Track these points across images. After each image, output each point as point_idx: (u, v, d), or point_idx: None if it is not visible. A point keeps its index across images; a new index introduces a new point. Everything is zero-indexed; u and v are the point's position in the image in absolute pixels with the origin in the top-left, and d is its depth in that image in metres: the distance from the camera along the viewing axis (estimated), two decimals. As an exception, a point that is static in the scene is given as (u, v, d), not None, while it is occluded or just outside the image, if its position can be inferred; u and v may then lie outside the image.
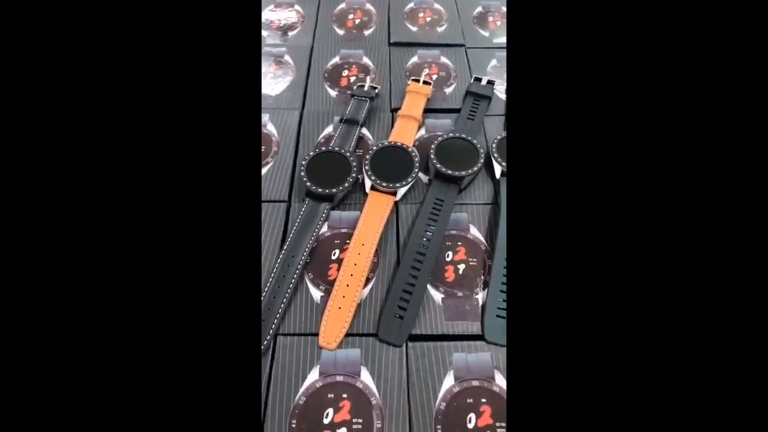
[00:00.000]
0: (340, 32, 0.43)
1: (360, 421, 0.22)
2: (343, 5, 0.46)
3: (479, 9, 0.46)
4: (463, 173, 0.30)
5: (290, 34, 0.43)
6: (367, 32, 0.43)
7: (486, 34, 0.43)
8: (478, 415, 0.22)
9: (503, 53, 0.41)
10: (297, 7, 0.46)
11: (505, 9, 0.46)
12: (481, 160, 0.31)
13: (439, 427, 0.22)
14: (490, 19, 0.45)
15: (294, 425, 0.22)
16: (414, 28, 0.43)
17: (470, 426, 0.22)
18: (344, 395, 0.23)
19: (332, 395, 0.23)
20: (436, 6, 0.46)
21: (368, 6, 0.46)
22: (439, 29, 0.43)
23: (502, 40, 0.43)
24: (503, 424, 0.22)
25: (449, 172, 0.30)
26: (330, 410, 0.22)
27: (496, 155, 0.32)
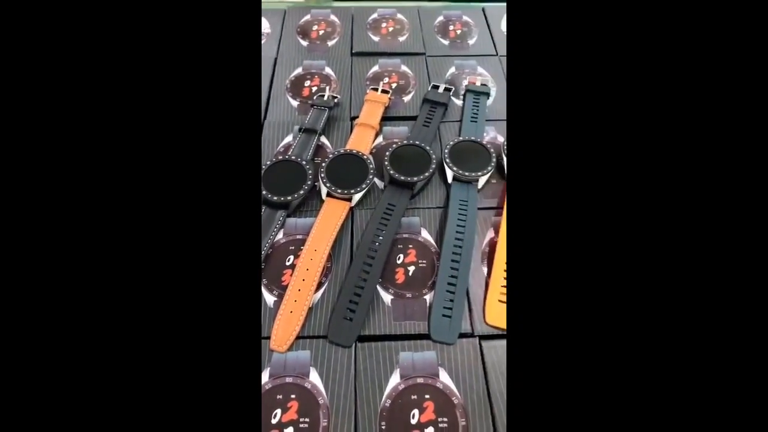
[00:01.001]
0: (304, 43, 0.44)
1: (307, 420, 0.23)
2: (308, 17, 0.47)
3: (441, 18, 0.47)
4: (415, 179, 0.31)
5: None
6: (330, 43, 0.45)
7: (446, 42, 0.45)
8: (422, 410, 0.23)
9: (462, 61, 0.43)
10: (263, 19, 0.47)
11: (465, 18, 0.48)
12: (433, 166, 0.32)
13: (383, 423, 0.23)
14: (451, 27, 0.46)
15: (243, 426, 0.23)
16: (376, 38, 0.45)
17: (413, 422, 0.23)
18: (292, 396, 0.24)
19: (281, 396, 0.24)
20: (399, 16, 0.47)
21: (332, 17, 0.47)
22: (401, 38, 0.45)
23: (462, 49, 0.44)
24: (445, 419, 0.23)
25: (402, 177, 0.31)
26: (278, 411, 0.23)
27: (448, 161, 0.33)
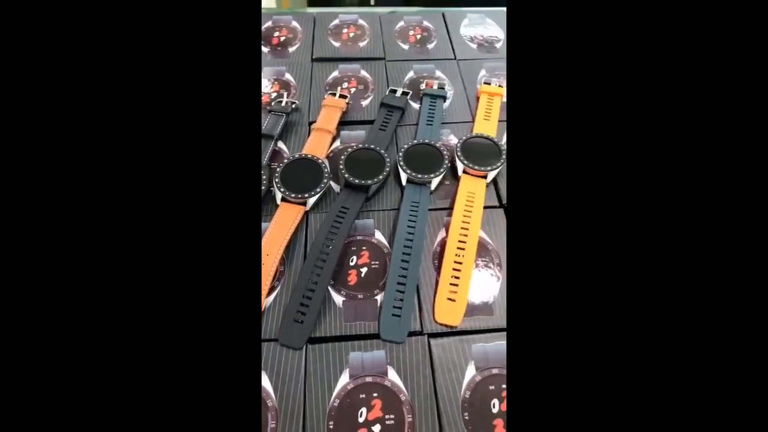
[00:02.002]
0: (265, 50, 0.45)
1: (255, 422, 0.23)
2: (269, 23, 0.48)
3: (401, 23, 0.48)
4: (369, 182, 0.32)
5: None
6: (291, 49, 0.45)
7: (405, 47, 0.46)
8: (369, 408, 0.24)
9: (420, 65, 0.44)
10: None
11: (425, 23, 0.48)
12: (387, 169, 0.33)
13: (331, 423, 0.23)
14: (411, 32, 0.47)
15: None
16: (337, 44, 0.45)
17: (361, 420, 0.24)
18: (241, 399, 0.24)
19: (230, 400, 0.24)
20: (361, 22, 0.48)
21: (294, 24, 0.48)
22: (362, 44, 0.46)
23: (421, 53, 0.45)
24: (392, 416, 0.24)
25: (356, 181, 0.32)
26: (227, 414, 0.23)
27: (402, 163, 0.33)
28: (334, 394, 0.24)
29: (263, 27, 0.47)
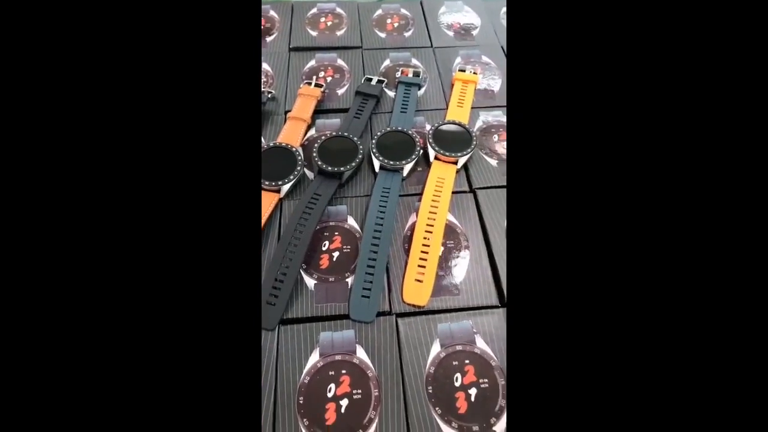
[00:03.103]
0: (243, 40, 0.45)
1: (228, 399, 0.24)
2: (247, 13, 0.48)
3: (379, 12, 0.48)
4: (342, 169, 0.33)
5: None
6: (269, 38, 0.45)
7: (383, 35, 0.46)
8: (338, 384, 0.25)
9: (397, 53, 0.44)
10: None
11: (403, 11, 0.49)
12: (360, 156, 0.34)
13: (301, 398, 0.25)
14: (389, 21, 0.48)
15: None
16: (314, 33, 0.46)
17: (329, 395, 0.25)
18: (215, 378, 0.25)
19: (204, 379, 0.25)
20: (338, 11, 0.48)
21: (272, 13, 0.48)
22: (339, 33, 0.46)
23: (398, 42, 0.45)
24: (359, 391, 0.25)
25: (328, 168, 0.33)
26: (201, 392, 0.24)
27: (374, 151, 0.34)
28: (305, 371, 0.25)
29: (241, 17, 0.47)
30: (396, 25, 0.47)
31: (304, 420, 0.24)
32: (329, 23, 0.47)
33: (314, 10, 0.48)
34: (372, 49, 0.44)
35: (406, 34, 0.46)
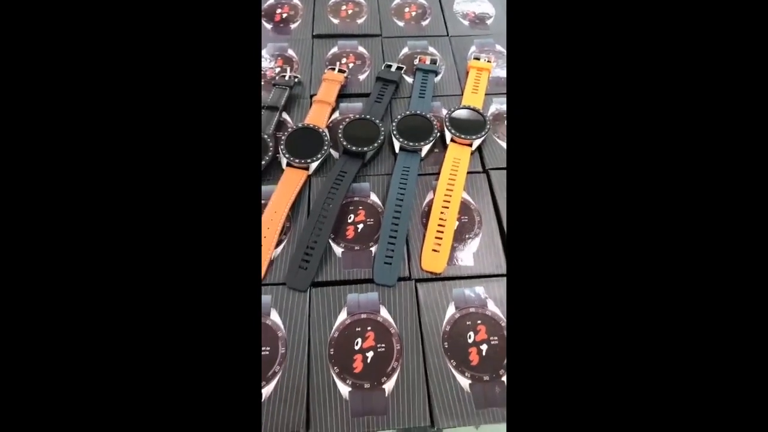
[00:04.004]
0: (269, 26, 0.47)
1: (268, 348, 0.28)
2: (271, 0, 0.50)
3: (397, 1, 0.50)
4: (365, 149, 0.36)
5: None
6: (293, 26, 0.48)
7: (401, 24, 0.48)
8: (364, 339, 0.28)
9: (414, 42, 0.46)
10: None
11: (421, 0, 0.51)
12: (382, 138, 0.36)
13: (331, 350, 0.28)
14: (406, 10, 0.50)
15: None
16: (336, 21, 0.48)
17: (356, 348, 0.28)
18: (256, 330, 0.28)
19: (246, 331, 0.28)
20: (358, -1, 0.50)
21: (295, 0, 0.50)
22: (359, 21, 0.48)
23: (415, 30, 0.47)
24: (383, 345, 0.28)
25: (353, 148, 0.36)
26: (244, 343, 0.28)
27: (395, 133, 0.37)
28: (334, 327, 0.29)
29: (266, 4, 0.50)
30: (414, 14, 0.49)
31: (335, 368, 0.27)
32: (350, 11, 0.49)
33: (335, -1, 0.50)
34: (391, 37, 0.47)
35: (424, 23, 0.48)
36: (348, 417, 0.26)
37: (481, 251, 0.32)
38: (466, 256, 0.32)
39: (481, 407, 0.26)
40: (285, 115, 0.40)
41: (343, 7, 0.49)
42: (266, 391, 0.27)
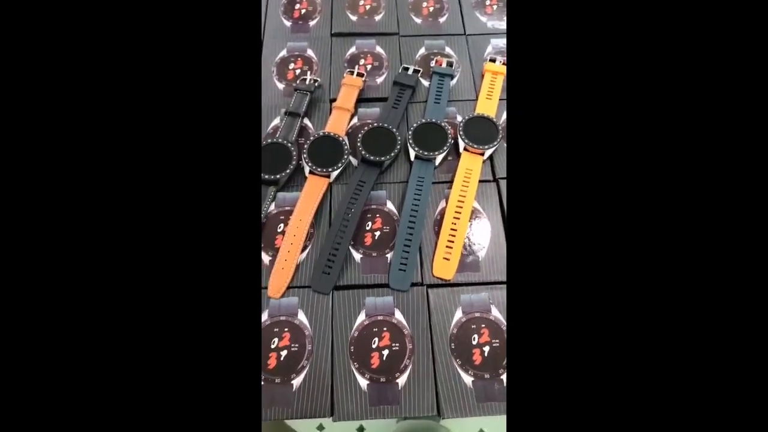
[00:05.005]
0: (288, 23, 0.48)
1: (296, 345, 0.32)
2: (290, -6, 0.50)
3: (415, -6, 0.50)
4: (382, 158, 0.38)
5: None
6: (312, 23, 0.48)
7: (419, 21, 0.48)
8: (380, 338, 0.32)
9: (431, 41, 0.47)
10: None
11: (439, -7, 0.50)
12: (398, 147, 0.38)
13: (352, 347, 0.32)
14: (424, 5, 0.50)
15: (251, 350, 0.31)
16: (354, 17, 0.48)
17: (374, 346, 0.32)
18: (285, 329, 0.32)
19: (277, 329, 0.32)
20: (376, -8, 0.50)
21: (313, -5, 0.50)
22: (377, 17, 0.48)
23: (433, 28, 0.48)
24: (397, 344, 0.32)
25: (371, 157, 0.38)
26: (276, 339, 0.32)
27: (411, 142, 0.39)
28: (354, 327, 0.32)
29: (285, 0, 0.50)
30: (431, 9, 0.49)
31: (355, 363, 0.31)
32: (368, 7, 0.49)
33: (353, -8, 0.50)
34: (408, 36, 0.47)
35: (441, 20, 0.48)
36: (366, 405, 0.30)
37: (488, 259, 0.35)
38: (474, 263, 0.35)
39: (481, 401, 0.30)
40: (306, 121, 0.42)
41: (362, 2, 0.49)
42: (296, 381, 0.31)
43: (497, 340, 0.32)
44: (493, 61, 0.44)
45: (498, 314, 0.33)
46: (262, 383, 0.31)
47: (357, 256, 0.35)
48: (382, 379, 0.31)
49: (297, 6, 0.49)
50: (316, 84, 0.43)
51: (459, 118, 0.42)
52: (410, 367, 0.31)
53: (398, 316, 0.33)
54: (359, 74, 0.43)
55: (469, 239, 0.35)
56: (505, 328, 0.32)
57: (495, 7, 0.49)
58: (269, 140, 0.39)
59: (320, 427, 0.50)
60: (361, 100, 0.43)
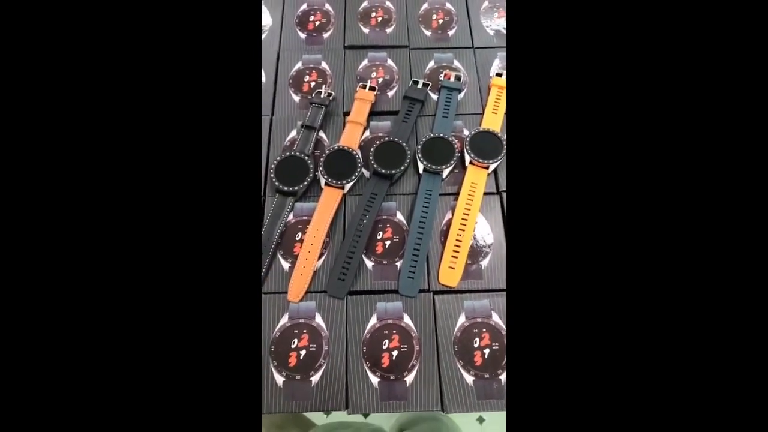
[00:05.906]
0: (302, 36, 0.50)
1: (314, 345, 0.35)
2: (304, 6, 0.52)
3: (425, 6, 0.52)
4: (393, 171, 0.40)
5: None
6: (325, 35, 0.50)
7: (428, 33, 0.50)
8: (390, 340, 0.35)
9: (440, 54, 0.49)
10: (264, 7, 0.52)
11: (448, 5, 0.52)
12: (407, 160, 0.41)
13: (365, 348, 0.35)
14: (434, 17, 0.51)
15: (273, 349, 0.35)
16: (366, 30, 0.50)
17: (384, 347, 0.35)
18: (304, 331, 0.35)
19: (296, 331, 0.35)
20: (388, 4, 0.52)
21: (327, 6, 0.52)
22: (388, 30, 0.50)
23: (441, 40, 0.50)
24: (405, 345, 0.35)
25: (383, 171, 0.40)
26: (295, 340, 0.35)
27: (420, 155, 0.41)
28: (366, 329, 0.36)
29: (300, 11, 0.52)
30: (441, 21, 0.51)
31: (367, 362, 0.34)
32: (380, 19, 0.51)
33: (365, 4, 0.52)
34: (418, 49, 0.49)
35: (450, 32, 0.50)
36: (377, 400, 0.34)
37: (490, 268, 0.38)
38: (477, 272, 0.38)
39: (481, 398, 0.34)
40: (321, 133, 0.44)
41: (373, 14, 0.51)
42: (315, 378, 0.34)
43: (497, 344, 0.35)
44: (499, 75, 0.46)
45: (498, 320, 0.36)
46: (284, 380, 0.34)
47: (369, 263, 0.38)
48: (392, 377, 0.34)
49: (311, 18, 0.51)
50: (331, 98, 0.45)
51: (465, 132, 0.44)
52: (417, 366, 0.34)
53: (407, 320, 0.36)
54: (371, 88, 0.45)
55: (472, 249, 0.38)
56: (504, 333, 0.35)
57: (499, 27, 0.51)
58: (287, 153, 0.41)
59: (327, 412, 0.54)
60: (373, 113, 0.45)
